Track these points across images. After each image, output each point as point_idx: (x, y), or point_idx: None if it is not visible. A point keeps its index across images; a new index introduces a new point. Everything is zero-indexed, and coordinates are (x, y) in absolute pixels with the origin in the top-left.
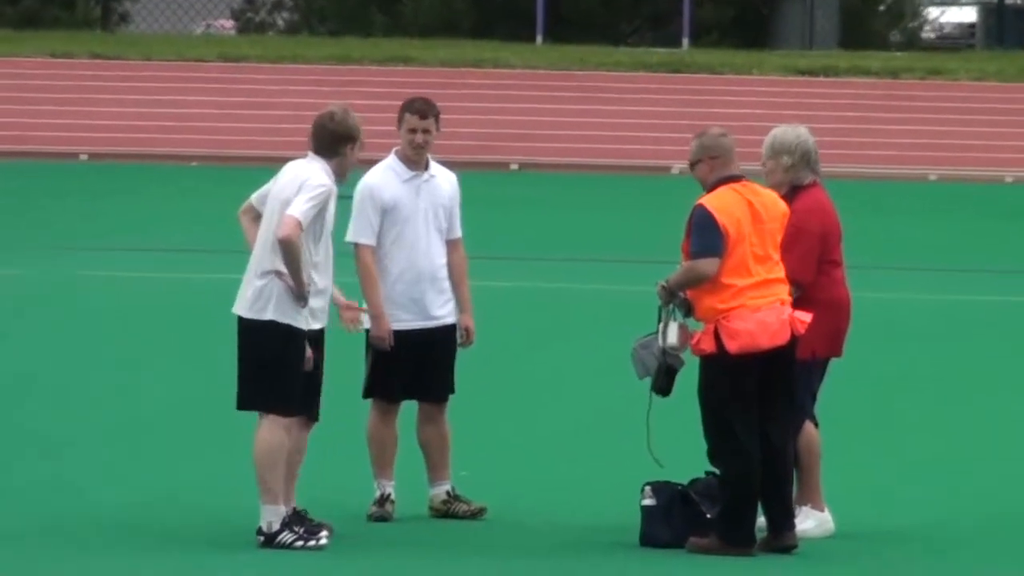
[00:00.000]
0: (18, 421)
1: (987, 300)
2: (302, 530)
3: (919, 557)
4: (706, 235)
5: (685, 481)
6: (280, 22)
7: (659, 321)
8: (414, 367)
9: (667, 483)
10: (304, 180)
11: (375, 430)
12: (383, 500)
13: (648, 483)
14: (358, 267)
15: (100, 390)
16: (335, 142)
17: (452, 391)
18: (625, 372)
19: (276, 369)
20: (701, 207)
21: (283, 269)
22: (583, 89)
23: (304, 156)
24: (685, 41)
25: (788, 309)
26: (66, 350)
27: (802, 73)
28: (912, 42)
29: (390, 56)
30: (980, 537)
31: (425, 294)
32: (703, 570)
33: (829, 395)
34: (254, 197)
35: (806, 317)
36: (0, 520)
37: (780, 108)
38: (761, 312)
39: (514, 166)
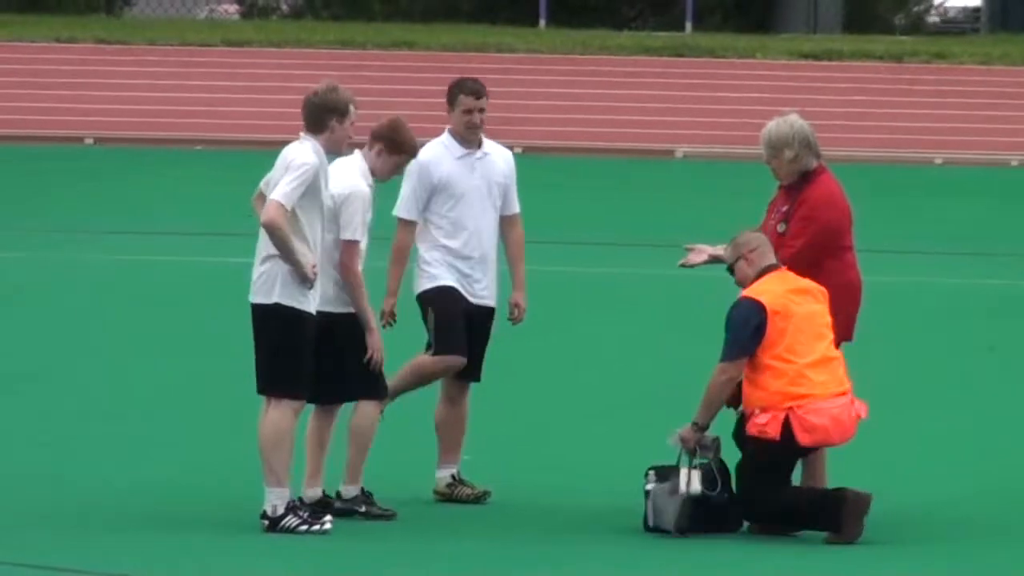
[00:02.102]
0: (17, 407)
1: (993, 284)
2: (306, 514)
3: (934, 537)
4: (740, 332)
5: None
6: (284, 7)
7: (678, 465)
8: None
9: (672, 467)
10: (290, 161)
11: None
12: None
13: (652, 467)
14: (393, 240)
15: (103, 374)
16: (320, 115)
17: (477, 379)
18: (633, 357)
19: (284, 352)
20: (742, 298)
21: None
22: (586, 73)
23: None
24: (688, 25)
25: (856, 404)
26: (70, 334)
27: (806, 57)
28: (917, 26)
29: (393, 41)
30: (993, 519)
31: (473, 271)
32: (705, 554)
33: None
34: (263, 184)
35: (864, 409)
36: (1, 508)
37: (784, 92)
38: (836, 409)
39: (517, 150)
